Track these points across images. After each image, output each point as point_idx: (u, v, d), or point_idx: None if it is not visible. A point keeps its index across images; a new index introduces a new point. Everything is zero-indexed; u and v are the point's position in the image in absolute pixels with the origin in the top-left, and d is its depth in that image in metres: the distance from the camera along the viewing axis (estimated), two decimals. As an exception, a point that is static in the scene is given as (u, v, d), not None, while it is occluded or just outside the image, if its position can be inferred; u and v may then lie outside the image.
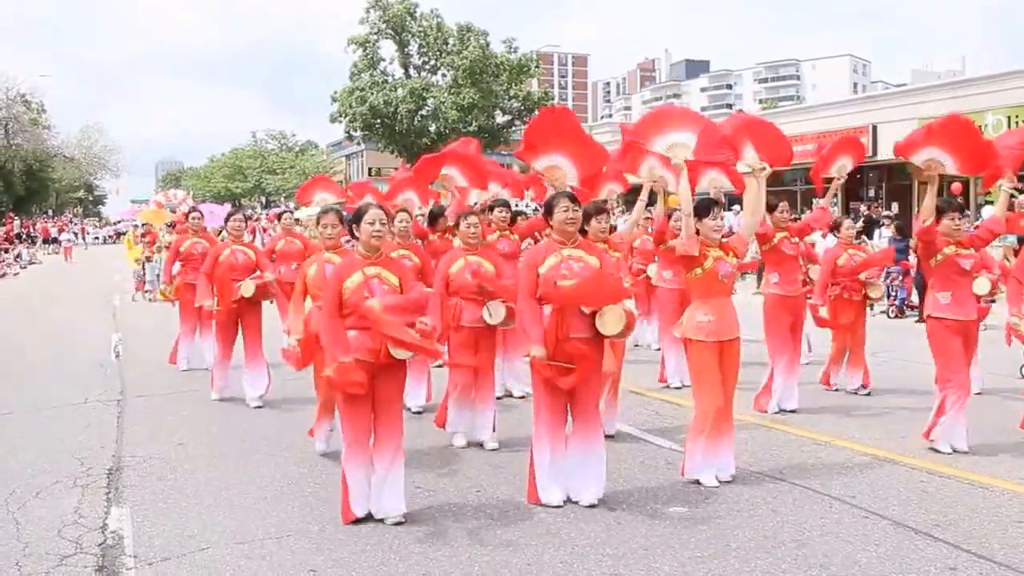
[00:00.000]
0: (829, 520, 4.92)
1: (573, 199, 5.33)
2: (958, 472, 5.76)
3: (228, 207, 17.35)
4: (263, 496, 5.54)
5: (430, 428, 6.95)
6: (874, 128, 25.89)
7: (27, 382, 9.71)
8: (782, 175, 29.91)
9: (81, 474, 6.07)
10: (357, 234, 5.06)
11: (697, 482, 5.56)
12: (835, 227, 8.59)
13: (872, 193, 27.57)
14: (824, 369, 8.61)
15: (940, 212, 6.39)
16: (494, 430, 6.58)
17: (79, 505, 5.42)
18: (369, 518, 4.97)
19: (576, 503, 5.20)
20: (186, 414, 7.98)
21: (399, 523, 4.89)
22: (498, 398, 8.03)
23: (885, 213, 21.13)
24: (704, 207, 5.66)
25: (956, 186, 22.60)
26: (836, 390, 8.40)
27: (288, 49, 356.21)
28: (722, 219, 5.77)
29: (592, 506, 5.15)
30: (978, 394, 8.11)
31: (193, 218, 10.31)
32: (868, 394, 8.20)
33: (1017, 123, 21.76)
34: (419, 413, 7.53)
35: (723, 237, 5.71)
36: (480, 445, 6.53)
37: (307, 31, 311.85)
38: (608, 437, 6.64)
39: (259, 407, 8.07)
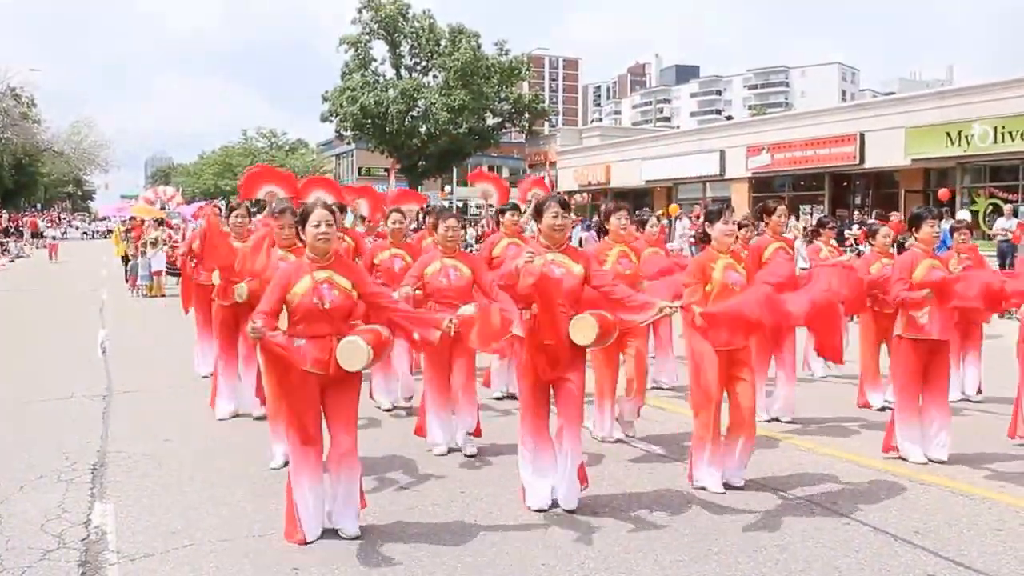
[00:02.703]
0: (810, 526, 4.96)
1: (564, 205, 5.34)
2: (939, 480, 5.81)
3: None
4: (248, 494, 5.54)
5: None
6: (862, 136, 26.06)
7: (13, 376, 9.66)
8: (772, 181, 30.12)
9: (65, 469, 6.05)
10: (303, 236, 4.78)
11: (703, 488, 5.55)
12: (871, 234, 8.18)
13: (859, 200, 27.75)
14: (859, 390, 8.12)
15: (919, 219, 6.34)
16: (474, 435, 6.50)
17: (63, 500, 5.40)
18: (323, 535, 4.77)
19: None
20: (172, 411, 7.95)
21: (356, 538, 4.72)
22: (499, 398, 8.09)
23: (871, 222, 21.25)
24: (716, 212, 5.69)
25: (943, 192, 22.81)
26: (882, 409, 7.77)
27: (282, 47, 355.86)
28: (734, 224, 5.77)
29: (571, 511, 5.16)
30: (978, 402, 8.19)
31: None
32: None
33: (1004, 133, 21.94)
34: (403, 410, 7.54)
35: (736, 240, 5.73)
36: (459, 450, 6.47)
37: (302, 30, 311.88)
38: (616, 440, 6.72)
39: (260, 417, 7.22)
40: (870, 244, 8.24)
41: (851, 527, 4.93)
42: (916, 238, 6.40)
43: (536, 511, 5.15)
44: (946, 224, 20.52)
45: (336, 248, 4.89)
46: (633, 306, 5.18)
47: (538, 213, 5.35)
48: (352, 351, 4.50)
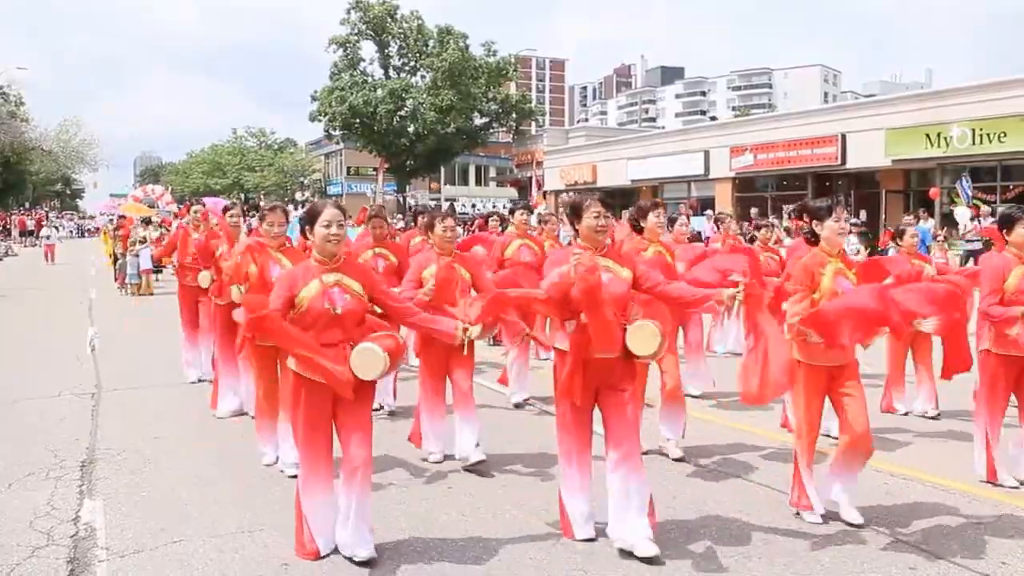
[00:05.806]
0: (795, 521, 5.02)
1: (605, 204, 4.66)
2: (921, 475, 5.89)
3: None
4: (237, 490, 5.56)
5: (405, 428, 6.95)
6: (843, 137, 26.27)
7: (1, 374, 9.62)
8: (755, 181, 30.29)
9: (54, 466, 6.05)
10: (310, 237, 4.47)
11: (798, 514, 5.08)
12: (898, 235, 7.83)
13: (841, 200, 27.93)
14: (884, 393, 7.73)
15: (1012, 221, 5.57)
16: (477, 444, 6.07)
17: (52, 497, 5.41)
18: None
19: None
20: (161, 408, 7.95)
21: (368, 561, 4.37)
22: (517, 405, 7.94)
23: (853, 221, 21.41)
24: (826, 208, 4.99)
25: (934, 191, 23.01)
26: (905, 414, 7.56)
27: (271, 47, 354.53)
28: (846, 222, 5.12)
29: (650, 559, 4.45)
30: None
31: (195, 211, 10.06)
32: (935, 417, 7.44)
33: (982, 135, 22.19)
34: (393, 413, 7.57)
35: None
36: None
37: (292, 30, 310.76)
38: None
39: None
40: (897, 245, 7.81)
41: (835, 522, 4.99)
42: (1008, 240, 5.62)
43: (587, 540, 4.68)
44: (926, 224, 20.76)
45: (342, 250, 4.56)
46: (693, 301, 4.69)
47: (576, 214, 4.66)
48: (369, 358, 4.22)
